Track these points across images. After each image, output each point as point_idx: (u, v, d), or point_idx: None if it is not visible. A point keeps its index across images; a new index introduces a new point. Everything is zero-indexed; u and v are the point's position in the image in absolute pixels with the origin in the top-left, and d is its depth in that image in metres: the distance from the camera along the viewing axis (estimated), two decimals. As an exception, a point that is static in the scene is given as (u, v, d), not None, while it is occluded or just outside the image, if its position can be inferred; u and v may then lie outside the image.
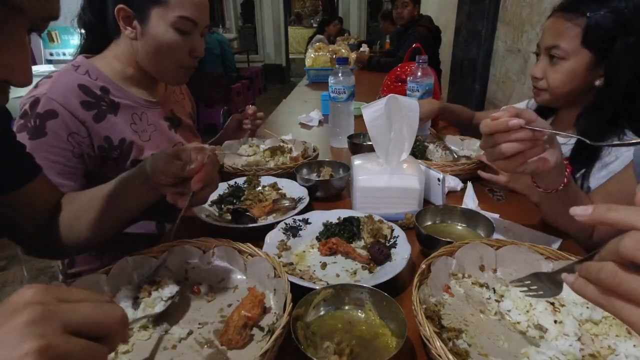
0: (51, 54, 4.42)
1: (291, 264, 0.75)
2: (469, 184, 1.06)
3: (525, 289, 0.53)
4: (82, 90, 0.92)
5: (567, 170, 0.76)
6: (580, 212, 0.39)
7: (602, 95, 0.98)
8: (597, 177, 0.98)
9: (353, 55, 3.38)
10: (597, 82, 0.99)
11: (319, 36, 6.35)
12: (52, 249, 0.80)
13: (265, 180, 1.09)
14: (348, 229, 0.85)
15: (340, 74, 1.37)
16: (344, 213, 0.89)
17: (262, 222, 0.89)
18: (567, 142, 1.06)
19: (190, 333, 0.60)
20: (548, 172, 0.72)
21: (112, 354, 0.54)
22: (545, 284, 0.51)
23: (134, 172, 0.75)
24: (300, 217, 0.88)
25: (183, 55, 0.97)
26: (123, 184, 0.75)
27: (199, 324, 0.62)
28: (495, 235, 0.79)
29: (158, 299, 0.63)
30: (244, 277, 0.70)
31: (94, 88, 0.95)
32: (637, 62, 0.93)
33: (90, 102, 0.93)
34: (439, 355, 0.48)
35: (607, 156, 0.97)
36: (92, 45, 1.03)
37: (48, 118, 0.87)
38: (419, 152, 1.24)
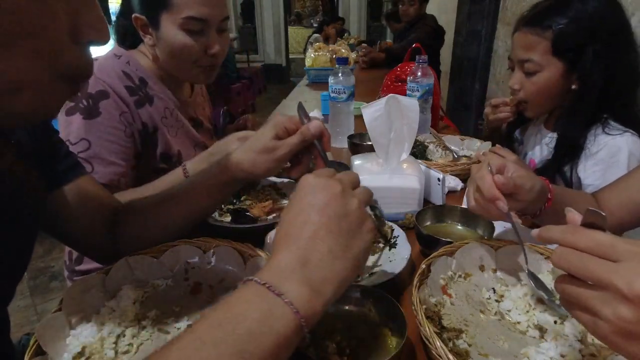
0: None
1: (291, 264, 0.75)
2: (469, 184, 1.06)
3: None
4: (125, 76, 0.96)
5: (549, 197, 0.71)
6: (533, 234, 0.46)
7: (578, 97, 1.01)
8: (586, 167, 1.00)
9: (353, 55, 3.37)
10: (573, 86, 1.01)
11: (315, 35, 6.36)
12: (117, 255, 0.68)
13: (265, 180, 1.09)
14: (348, 229, 0.84)
15: (340, 74, 1.37)
16: (344, 213, 0.88)
17: (262, 222, 0.89)
18: (551, 140, 1.09)
19: (190, 333, 0.60)
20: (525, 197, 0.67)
21: (113, 354, 0.54)
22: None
23: (213, 171, 0.72)
24: (300, 217, 0.88)
25: (199, 55, 0.98)
26: (201, 183, 0.73)
27: (199, 324, 0.61)
28: (495, 235, 0.79)
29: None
30: (244, 277, 0.70)
31: (134, 77, 0.98)
32: (607, 65, 0.95)
33: (132, 87, 0.96)
34: (439, 356, 0.48)
35: (593, 146, 0.99)
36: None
37: (100, 98, 0.90)
38: (419, 152, 1.24)
